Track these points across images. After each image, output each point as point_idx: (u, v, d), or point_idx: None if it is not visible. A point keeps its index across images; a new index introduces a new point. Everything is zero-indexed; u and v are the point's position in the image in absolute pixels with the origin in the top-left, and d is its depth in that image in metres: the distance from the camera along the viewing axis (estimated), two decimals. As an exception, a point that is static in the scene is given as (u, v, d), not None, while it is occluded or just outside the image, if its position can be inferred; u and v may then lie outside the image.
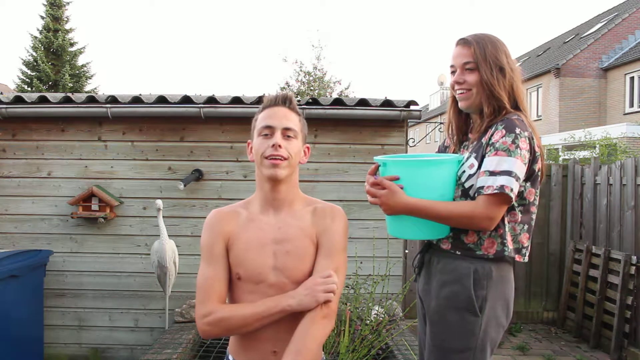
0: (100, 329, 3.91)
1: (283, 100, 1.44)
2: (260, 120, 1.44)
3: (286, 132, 1.41)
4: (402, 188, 1.49)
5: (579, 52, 17.26)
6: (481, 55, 1.59)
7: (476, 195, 1.50)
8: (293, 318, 1.41)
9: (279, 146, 1.37)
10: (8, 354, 3.26)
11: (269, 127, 1.40)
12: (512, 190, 1.46)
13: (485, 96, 1.59)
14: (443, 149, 1.86)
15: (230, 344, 1.50)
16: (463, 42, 1.64)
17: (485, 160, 1.52)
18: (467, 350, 1.54)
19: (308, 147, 1.52)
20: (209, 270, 1.40)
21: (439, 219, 1.50)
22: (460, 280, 1.55)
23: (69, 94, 3.84)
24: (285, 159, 1.38)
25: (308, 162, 3.79)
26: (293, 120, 1.44)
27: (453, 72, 1.67)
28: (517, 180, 1.48)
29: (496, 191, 1.45)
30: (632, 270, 4.04)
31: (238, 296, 1.44)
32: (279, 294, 1.39)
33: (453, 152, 1.76)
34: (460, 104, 1.66)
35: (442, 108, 24.92)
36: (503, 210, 1.50)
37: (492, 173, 1.47)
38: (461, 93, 1.63)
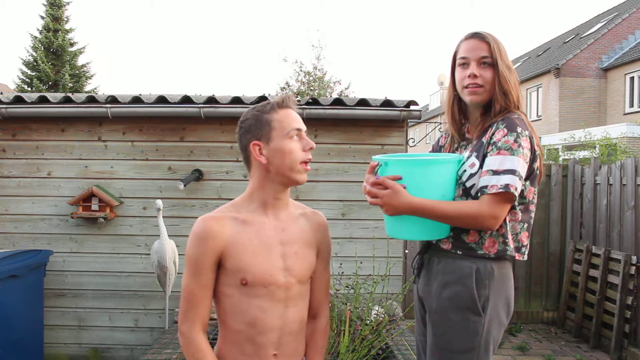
0: (100, 329, 3.91)
1: (293, 101, 1.47)
2: (286, 121, 1.40)
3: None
4: (404, 188, 1.48)
5: (579, 52, 17.26)
6: (498, 52, 1.58)
7: (479, 194, 1.49)
8: (297, 320, 1.42)
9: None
10: (8, 354, 3.26)
11: (299, 129, 1.41)
12: (516, 189, 1.46)
13: (496, 93, 1.58)
14: (438, 149, 1.84)
15: (222, 352, 1.41)
16: (479, 36, 1.61)
17: (488, 159, 1.51)
18: (470, 351, 1.54)
19: None
20: (193, 284, 1.36)
21: (444, 219, 1.49)
22: (462, 280, 1.54)
23: (69, 94, 3.84)
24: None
25: (308, 162, 3.78)
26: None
27: (463, 65, 1.62)
28: (520, 179, 1.47)
29: (501, 190, 1.44)
30: (632, 270, 4.04)
31: (239, 301, 1.37)
32: (287, 295, 1.39)
33: (448, 152, 1.75)
34: (468, 98, 1.62)
35: (442, 108, 24.90)
36: (507, 209, 1.49)
37: (496, 172, 1.47)
38: (473, 87, 1.59)
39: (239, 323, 1.37)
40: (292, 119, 1.41)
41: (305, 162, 1.40)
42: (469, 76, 1.59)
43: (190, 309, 1.36)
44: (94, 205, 3.80)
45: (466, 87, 1.61)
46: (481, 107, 1.63)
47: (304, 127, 1.42)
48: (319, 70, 16.40)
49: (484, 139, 1.57)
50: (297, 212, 1.50)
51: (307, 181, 1.45)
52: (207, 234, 1.35)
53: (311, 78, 16.33)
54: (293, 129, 1.39)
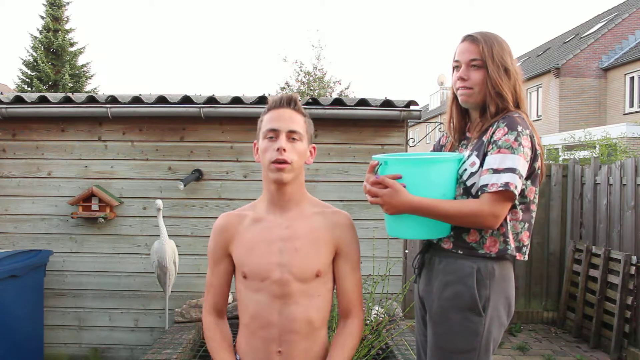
0: (100, 329, 3.91)
1: (288, 102, 1.45)
2: (266, 122, 1.45)
3: (291, 135, 1.42)
4: (404, 187, 1.48)
5: (579, 52, 17.27)
6: (489, 54, 1.57)
7: (480, 193, 1.49)
8: (301, 320, 1.43)
9: (284, 150, 1.39)
10: (8, 354, 3.26)
11: (273, 130, 1.42)
12: (516, 187, 1.45)
13: (489, 95, 1.58)
14: (439, 148, 1.85)
15: (238, 343, 1.52)
16: (471, 38, 1.62)
17: (488, 158, 1.51)
18: (471, 351, 1.54)
19: (314, 147, 1.54)
20: (211, 276, 1.55)
21: (444, 218, 1.49)
22: (463, 280, 1.54)
23: (69, 94, 3.83)
24: (289, 163, 1.40)
25: (308, 162, 3.78)
26: (298, 122, 1.45)
27: (457, 68, 1.64)
28: (520, 178, 1.47)
29: (501, 188, 1.44)
30: (632, 270, 4.04)
31: (244, 295, 1.46)
32: (283, 290, 1.42)
33: (450, 151, 1.76)
34: (460, 99, 1.65)
35: (442, 108, 24.92)
36: (508, 207, 1.49)
37: (496, 171, 1.47)
38: (463, 89, 1.61)
39: (245, 316, 1.47)
40: (272, 119, 1.44)
41: (277, 162, 1.39)
42: (458, 79, 1.62)
43: (208, 297, 1.54)
44: (94, 205, 3.80)
45: (457, 89, 1.64)
46: (479, 108, 1.64)
47: (283, 128, 1.41)
48: (319, 70, 16.43)
49: (485, 138, 1.57)
50: (312, 210, 1.51)
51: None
52: (219, 226, 1.52)
53: (311, 78, 16.35)
54: (267, 130, 1.43)
